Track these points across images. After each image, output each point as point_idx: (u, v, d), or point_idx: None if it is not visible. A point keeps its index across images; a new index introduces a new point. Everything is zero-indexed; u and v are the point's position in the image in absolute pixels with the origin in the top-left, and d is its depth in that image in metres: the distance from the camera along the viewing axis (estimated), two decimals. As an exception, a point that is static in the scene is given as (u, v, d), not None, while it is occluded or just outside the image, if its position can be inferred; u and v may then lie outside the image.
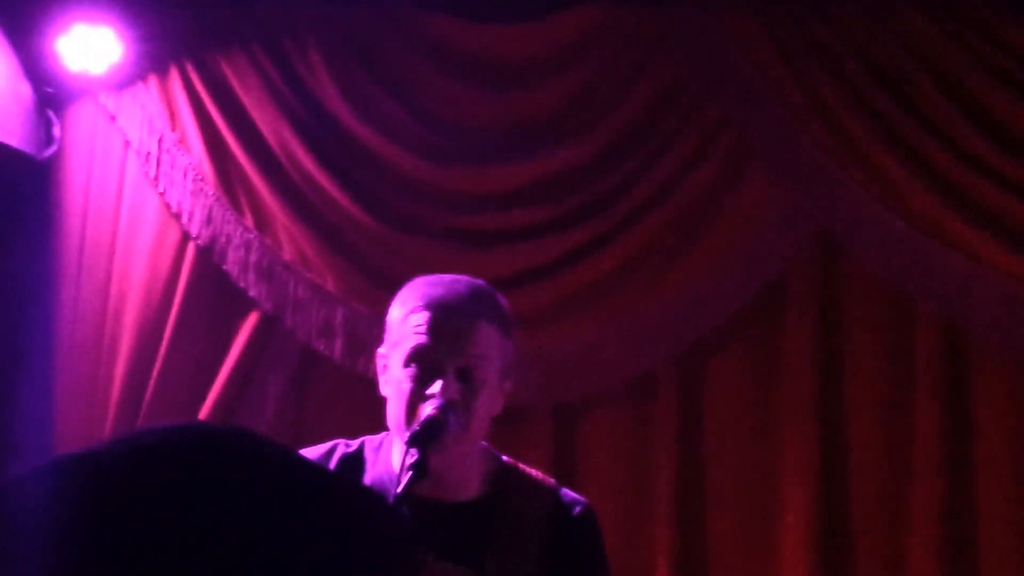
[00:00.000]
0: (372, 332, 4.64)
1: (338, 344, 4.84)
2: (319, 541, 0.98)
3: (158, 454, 0.99)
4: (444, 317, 2.68)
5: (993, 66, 4.64)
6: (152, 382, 4.85)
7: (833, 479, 4.65)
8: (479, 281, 2.81)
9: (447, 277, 2.79)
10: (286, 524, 0.98)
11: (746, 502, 4.72)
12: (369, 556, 1.01)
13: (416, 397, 2.64)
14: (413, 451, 2.54)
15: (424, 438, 2.55)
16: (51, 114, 5.04)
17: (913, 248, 4.62)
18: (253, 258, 4.90)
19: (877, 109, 4.66)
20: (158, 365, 4.86)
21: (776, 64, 4.73)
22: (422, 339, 2.66)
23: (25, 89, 4.99)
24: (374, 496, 1.10)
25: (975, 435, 4.63)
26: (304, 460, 1.03)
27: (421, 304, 2.70)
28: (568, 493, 2.85)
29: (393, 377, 2.71)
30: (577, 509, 2.82)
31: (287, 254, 4.90)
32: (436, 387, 2.62)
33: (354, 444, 2.84)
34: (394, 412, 2.69)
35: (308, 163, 4.88)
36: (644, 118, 4.83)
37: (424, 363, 2.66)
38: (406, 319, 2.71)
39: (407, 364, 2.67)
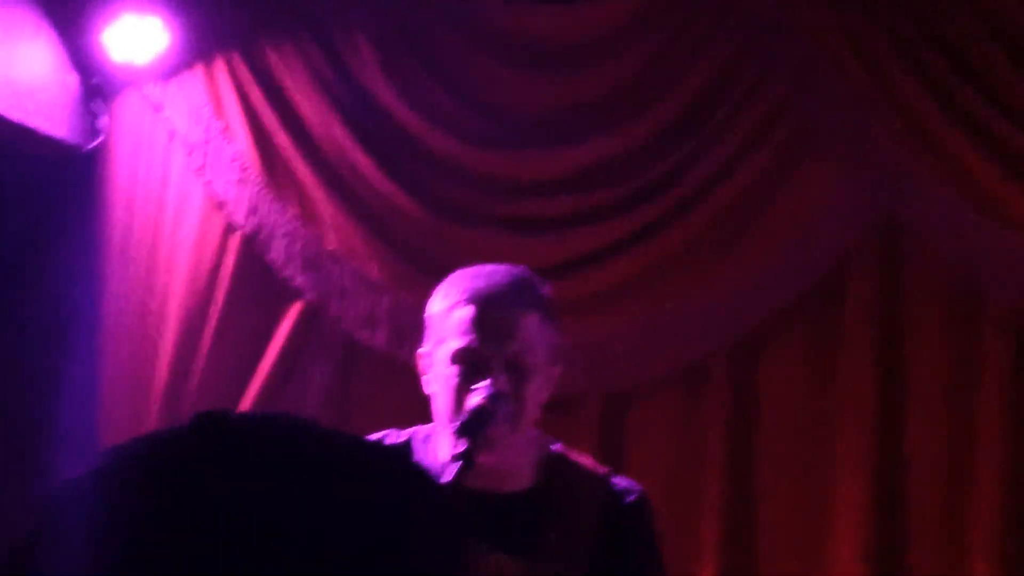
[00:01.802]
0: (417, 321, 4.54)
1: (382, 333, 4.81)
2: (365, 519, 0.98)
3: (192, 443, 0.99)
4: (487, 311, 2.65)
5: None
6: (196, 371, 4.84)
7: (888, 477, 4.54)
8: (519, 268, 2.78)
9: (486, 268, 2.76)
10: (335, 501, 0.98)
11: (797, 497, 4.62)
12: (414, 537, 1.00)
13: (463, 392, 2.62)
14: (461, 441, 2.52)
15: (473, 428, 2.53)
16: (98, 104, 5.04)
17: (981, 233, 4.48)
18: (297, 247, 4.88)
19: (948, 91, 4.51)
20: (202, 355, 4.86)
21: (842, 44, 4.61)
22: (468, 336, 2.64)
23: (72, 80, 4.99)
24: (425, 478, 1.09)
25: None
26: (359, 440, 1.03)
27: (464, 299, 2.67)
28: (621, 480, 2.81)
29: (439, 374, 2.68)
30: (631, 497, 2.79)
31: (332, 243, 4.88)
32: (484, 381, 2.61)
33: (404, 435, 2.82)
34: (442, 408, 2.67)
35: (354, 151, 4.86)
36: (700, 101, 4.74)
37: (471, 359, 2.64)
38: (449, 314, 2.68)
39: (454, 361, 2.65)
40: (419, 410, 2.86)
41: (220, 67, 4.96)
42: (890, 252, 4.64)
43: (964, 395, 4.55)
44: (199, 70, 4.97)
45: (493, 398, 2.57)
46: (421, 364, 2.78)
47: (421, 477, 1.06)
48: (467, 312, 2.66)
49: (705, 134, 4.73)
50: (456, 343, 2.66)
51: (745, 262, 4.68)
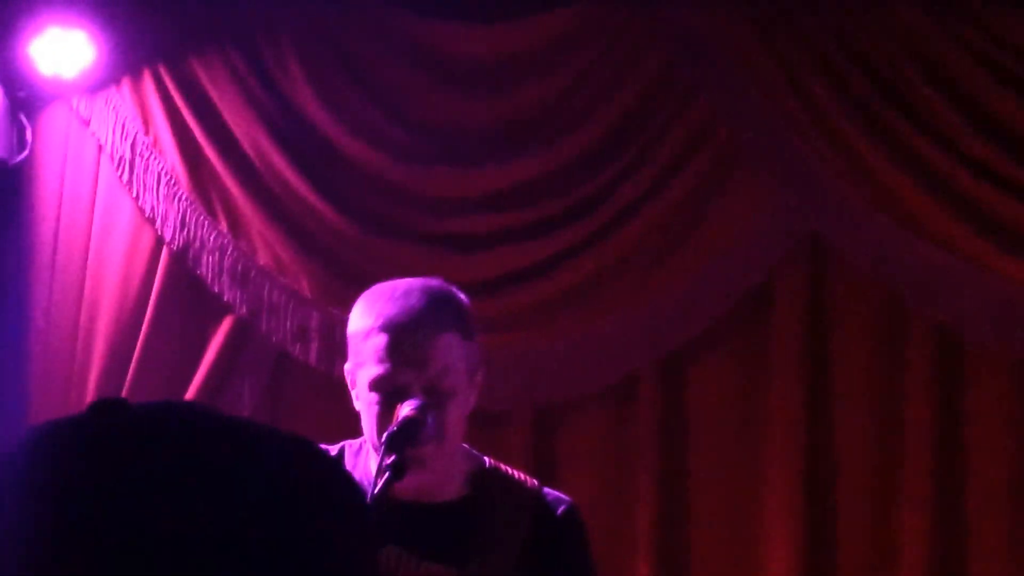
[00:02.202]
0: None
1: (314, 348, 4.80)
2: (272, 512, 0.95)
3: (119, 430, 0.96)
4: (402, 338, 2.63)
5: (990, 63, 4.56)
6: (126, 387, 4.79)
7: (819, 485, 4.60)
8: (435, 284, 2.75)
9: (400, 288, 2.72)
10: (240, 491, 0.95)
11: (729, 507, 4.66)
12: (325, 536, 0.98)
13: (385, 419, 2.61)
14: (390, 453, 2.51)
15: (402, 439, 2.52)
16: (23, 118, 4.99)
17: (905, 250, 4.55)
18: (227, 262, 4.86)
19: (870, 108, 4.58)
20: (132, 370, 4.81)
21: (766, 63, 4.65)
22: (384, 365, 2.63)
23: (-2, 94, 4.95)
24: (341, 475, 1.06)
25: (966, 439, 4.58)
26: (272, 430, 1.01)
27: (377, 326, 2.65)
28: (551, 492, 2.82)
29: (362, 396, 2.69)
30: (561, 508, 2.79)
31: (262, 258, 4.86)
32: (405, 408, 2.59)
33: (334, 448, 2.81)
34: (368, 428, 2.68)
35: (283, 167, 4.83)
36: (629, 119, 4.76)
37: (389, 387, 2.63)
38: (366, 339, 2.67)
39: (372, 389, 2.65)
40: (352, 424, 2.85)
41: (147, 81, 4.93)
42: (816, 267, 4.70)
43: (889, 405, 4.62)
44: (126, 84, 4.94)
45: (421, 408, 2.56)
46: (347, 379, 2.78)
47: (336, 472, 1.04)
48: (381, 340, 2.64)
49: (633, 152, 4.75)
50: (374, 371, 2.65)
51: (674, 277, 4.72)
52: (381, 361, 2.64)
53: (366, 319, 2.69)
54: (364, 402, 2.68)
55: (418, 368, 2.63)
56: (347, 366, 2.76)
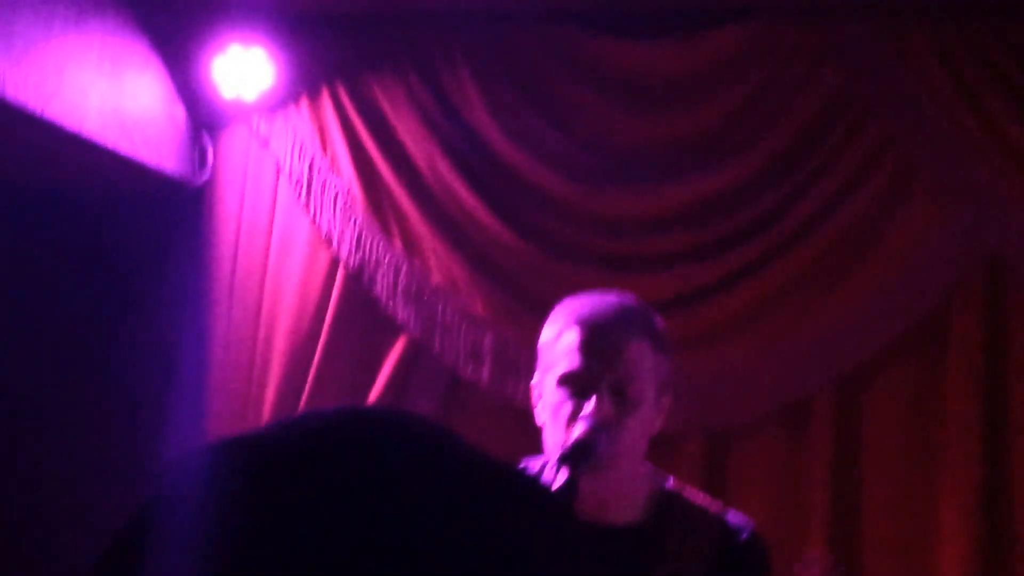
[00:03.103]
0: (521, 356, 4.60)
1: (487, 368, 4.79)
2: (482, 534, 0.93)
3: (322, 435, 0.94)
4: (595, 334, 2.62)
5: None
6: (302, 406, 4.84)
7: (995, 518, 4.50)
8: (629, 297, 2.75)
9: (595, 295, 2.74)
10: (453, 513, 0.92)
11: (902, 538, 4.57)
12: (537, 565, 0.95)
13: (572, 418, 2.58)
14: (563, 471, 2.47)
15: (574, 458, 2.49)
16: (205, 139, 5.07)
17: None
18: (402, 282, 4.88)
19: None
20: (308, 389, 4.86)
21: (944, 80, 4.58)
22: (574, 358, 2.61)
23: (180, 114, 5.03)
24: (555, 504, 1.03)
25: None
26: (481, 452, 0.98)
27: (571, 322, 2.65)
28: (735, 516, 2.76)
29: (547, 401, 2.65)
30: (745, 534, 2.74)
31: (436, 278, 4.87)
32: (590, 406, 2.56)
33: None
34: (551, 436, 2.64)
35: (458, 186, 4.85)
36: (803, 138, 4.72)
37: (578, 383, 2.61)
38: (557, 339, 2.66)
39: (560, 386, 2.62)
40: (524, 446, 2.83)
41: (325, 100, 4.98)
42: (994, 289, 4.60)
43: None
44: (304, 104, 5.00)
45: (596, 428, 2.53)
46: (532, 396, 2.75)
47: (552, 503, 1.01)
48: (574, 335, 2.63)
49: (808, 170, 4.71)
50: (563, 367, 2.63)
51: (849, 299, 4.64)
52: (571, 356, 2.62)
53: (558, 322, 2.69)
54: (549, 407, 2.64)
55: (608, 363, 2.60)
56: (534, 379, 2.74)
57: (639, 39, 4.85)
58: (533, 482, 1.00)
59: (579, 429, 2.53)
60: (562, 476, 2.47)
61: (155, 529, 0.92)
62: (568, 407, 2.60)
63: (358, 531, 0.89)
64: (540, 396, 2.70)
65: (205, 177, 5.06)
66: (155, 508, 0.93)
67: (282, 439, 0.94)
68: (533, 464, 2.76)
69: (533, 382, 2.75)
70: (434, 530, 0.90)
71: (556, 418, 2.62)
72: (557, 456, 2.51)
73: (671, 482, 2.78)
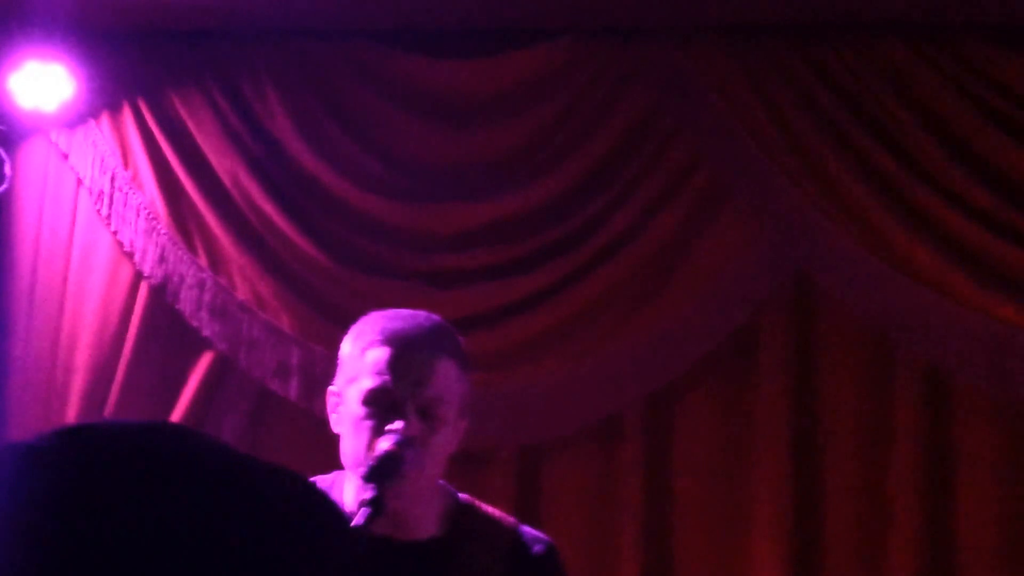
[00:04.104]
0: (329, 372, 4.52)
1: (294, 384, 4.75)
2: (261, 540, 0.92)
3: (98, 448, 0.93)
4: (404, 354, 2.59)
5: (977, 101, 4.55)
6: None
7: (806, 526, 4.55)
8: (435, 316, 2.72)
9: (404, 311, 2.71)
10: (219, 519, 0.91)
11: (715, 549, 4.61)
12: (314, 565, 0.95)
13: (374, 434, 2.56)
14: (369, 487, 2.47)
15: (381, 474, 2.48)
16: (2, 152, 4.96)
17: (892, 288, 4.52)
18: (207, 298, 4.82)
19: (855, 146, 4.56)
20: (111, 405, 4.77)
21: (750, 100, 4.64)
22: (383, 377, 2.57)
23: (-24, 127, 4.92)
24: (328, 507, 1.03)
25: (955, 479, 4.54)
26: (256, 460, 0.97)
27: (379, 339, 2.60)
28: (529, 531, 2.75)
29: (350, 414, 2.61)
30: (538, 547, 2.72)
31: (241, 294, 4.82)
32: (396, 425, 2.55)
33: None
34: (351, 450, 2.60)
35: (263, 202, 4.81)
36: (612, 156, 4.73)
37: (383, 401, 2.57)
38: (363, 354, 2.61)
39: (365, 402, 2.59)
40: (331, 461, 2.81)
41: (127, 115, 4.91)
42: (802, 306, 4.66)
43: (877, 441, 4.58)
44: (105, 118, 4.91)
45: (402, 443, 2.52)
46: (329, 403, 2.70)
47: (324, 505, 1.01)
48: (382, 353, 2.59)
49: (617, 188, 4.73)
50: (369, 383, 2.59)
51: (659, 315, 4.67)
52: (380, 373, 2.58)
53: (365, 336, 2.64)
54: (352, 418, 2.60)
55: (416, 385, 2.58)
56: (333, 387, 2.70)
57: (448, 58, 4.85)
58: (324, 497, 1.01)
59: (386, 444, 2.52)
60: (369, 491, 2.46)
61: None
62: (372, 422, 2.57)
63: (114, 536, 0.88)
64: (338, 404, 2.66)
65: (2, 190, 4.94)
66: None
67: (54, 445, 0.93)
68: (322, 480, 2.74)
69: (331, 389, 2.71)
70: (209, 542, 0.90)
71: (358, 430, 2.58)
72: (363, 470, 2.50)
73: (465, 497, 2.77)
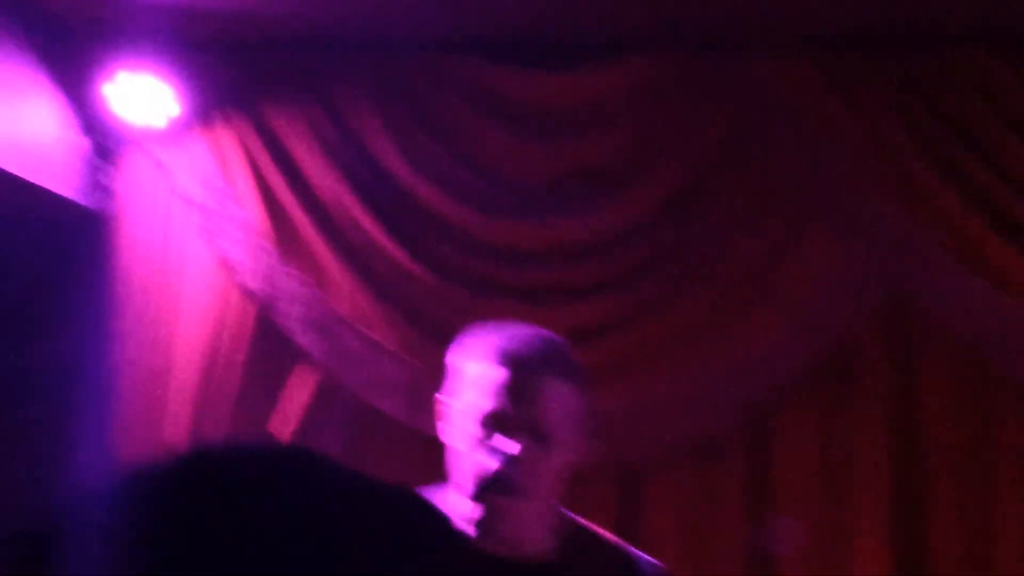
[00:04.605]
0: (428, 387, 4.57)
1: (394, 399, 4.74)
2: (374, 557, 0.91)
3: (216, 466, 0.97)
4: (518, 374, 2.57)
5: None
6: (208, 435, 4.76)
7: (908, 546, 4.51)
8: (553, 335, 2.71)
9: (521, 330, 2.69)
10: (336, 536, 0.97)
11: (819, 566, 4.56)
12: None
13: (487, 455, 2.54)
14: (477, 506, 2.44)
15: (490, 493, 2.45)
16: (104, 165, 4.99)
17: (989, 305, 4.47)
18: (308, 313, 4.82)
19: (949, 158, 4.52)
20: (212, 420, 4.78)
21: (842, 114, 4.59)
22: (496, 399, 2.56)
23: (78, 140, 4.94)
24: (441, 522, 1.01)
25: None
26: (371, 478, 0.97)
27: (494, 358, 2.59)
28: (642, 557, 2.74)
29: (462, 430, 2.60)
30: (652, 572, 2.72)
31: (342, 309, 4.81)
32: (507, 446, 2.52)
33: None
34: (459, 465, 2.59)
35: (362, 216, 4.80)
36: (705, 171, 4.70)
37: (499, 422, 2.56)
38: (476, 371, 2.61)
39: (479, 418, 2.57)
40: (433, 475, 2.78)
41: (226, 128, 4.93)
42: (899, 323, 4.61)
43: (980, 459, 4.53)
44: (205, 131, 4.93)
45: (511, 463, 2.49)
46: (438, 409, 2.69)
47: (439, 523, 1.00)
48: (498, 374, 2.58)
49: (707, 204, 4.68)
50: (482, 402, 2.58)
51: (754, 334, 4.64)
52: (493, 393, 2.57)
53: (478, 352, 2.63)
54: (463, 436, 2.60)
55: (530, 407, 2.56)
56: (443, 395, 2.69)
57: (539, 69, 4.82)
58: (439, 514, 1.00)
59: (495, 464, 2.50)
60: (478, 510, 2.44)
61: (51, 557, 0.94)
62: (484, 441, 2.56)
63: (264, 558, 0.92)
64: (447, 414, 2.66)
65: (103, 203, 4.97)
66: (51, 537, 0.95)
67: (178, 469, 0.98)
68: (431, 494, 2.71)
69: (441, 396, 2.69)
70: (348, 560, 0.89)
71: (469, 449, 2.57)
72: (472, 489, 2.47)
73: (578, 519, 2.75)
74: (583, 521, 2.76)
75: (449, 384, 2.68)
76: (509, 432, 2.55)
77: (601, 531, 2.77)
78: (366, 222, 4.80)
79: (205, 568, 0.90)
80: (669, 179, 4.72)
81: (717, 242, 4.68)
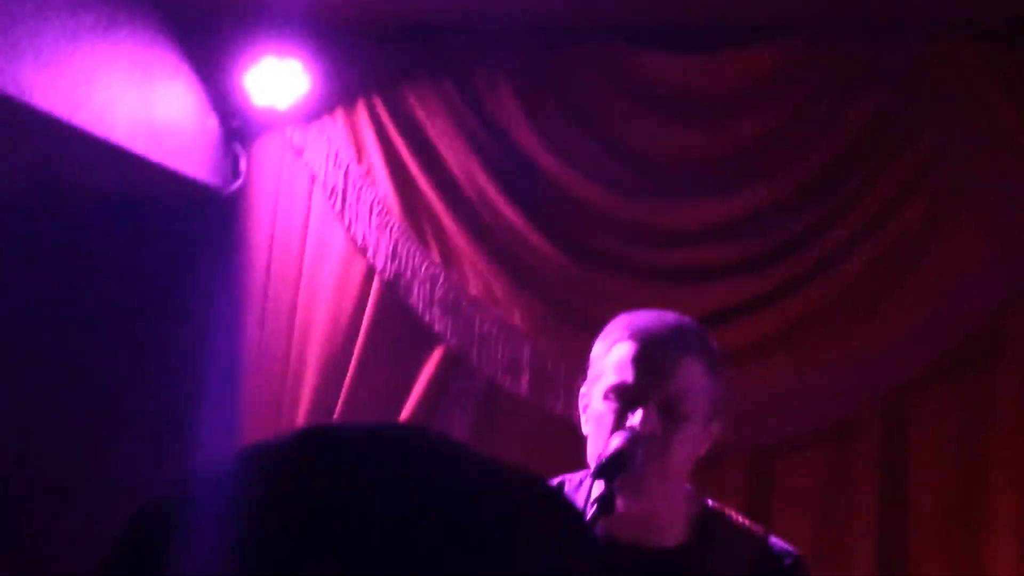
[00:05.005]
0: (560, 369, 4.54)
1: (525, 380, 4.71)
2: (505, 548, 0.90)
3: (342, 447, 0.93)
4: (649, 348, 2.56)
5: None
6: (336, 417, 4.77)
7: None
8: (686, 316, 2.69)
9: (653, 311, 2.69)
10: (458, 527, 0.89)
11: (952, 557, 4.45)
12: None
13: (614, 430, 2.50)
14: (599, 483, 2.40)
15: (610, 469, 2.41)
16: (238, 148, 5.01)
17: None
18: (439, 293, 4.81)
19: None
20: (342, 400, 4.79)
21: (995, 99, 4.48)
22: (626, 371, 2.55)
23: (212, 123, 4.97)
24: (575, 519, 0.98)
25: None
26: (497, 461, 0.94)
27: (626, 335, 2.59)
28: (778, 542, 2.70)
29: (594, 411, 2.58)
30: (788, 561, 2.67)
31: (473, 289, 4.79)
32: (635, 418, 2.48)
33: (554, 481, 2.69)
34: (594, 447, 2.56)
35: (496, 198, 4.78)
36: (846, 155, 4.63)
37: (626, 396, 2.54)
38: (608, 351, 2.60)
39: (608, 397, 2.55)
40: (562, 458, 2.76)
41: (361, 111, 4.92)
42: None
43: None
44: (340, 114, 4.94)
45: (633, 440, 2.44)
46: (580, 404, 2.68)
47: (571, 517, 0.96)
48: (627, 348, 2.57)
49: (851, 188, 4.62)
50: (613, 379, 2.56)
51: (893, 317, 4.56)
52: (623, 368, 2.56)
53: (612, 334, 2.63)
54: (596, 415, 2.57)
55: (659, 381, 2.54)
56: (583, 389, 2.68)
57: (682, 53, 4.77)
58: (567, 502, 0.97)
59: (617, 440, 2.46)
60: (598, 488, 2.40)
61: (175, 533, 0.92)
62: (612, 418, 2.52)
63: (378, 545, 0.87)
64: (587, 406, 2.64)
65: (237, 186, 5.00)
66: (175, 512, 0.93)
67: (303, 449, 0.93)
68: (571, 479, 2.69)
69: (582, 391, 2.69)
70: (464, 551, 0.88)
71: (600, 429, 2.56)
72: (593, 469, 2.43)
73: (711, 503, 2.70)
74: (715, 504, 2.71)
75: (588, 375, 2.66)
76: (636, 404, 2.51)
77: (737, 516, 2.72)
78: (501, 203, 4.77)
79: (319, 552, 0.86)
80: (811, 162, 4.64)
81: (857, 226, 4.59)
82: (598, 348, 2.65)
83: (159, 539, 0.91)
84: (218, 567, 0.88)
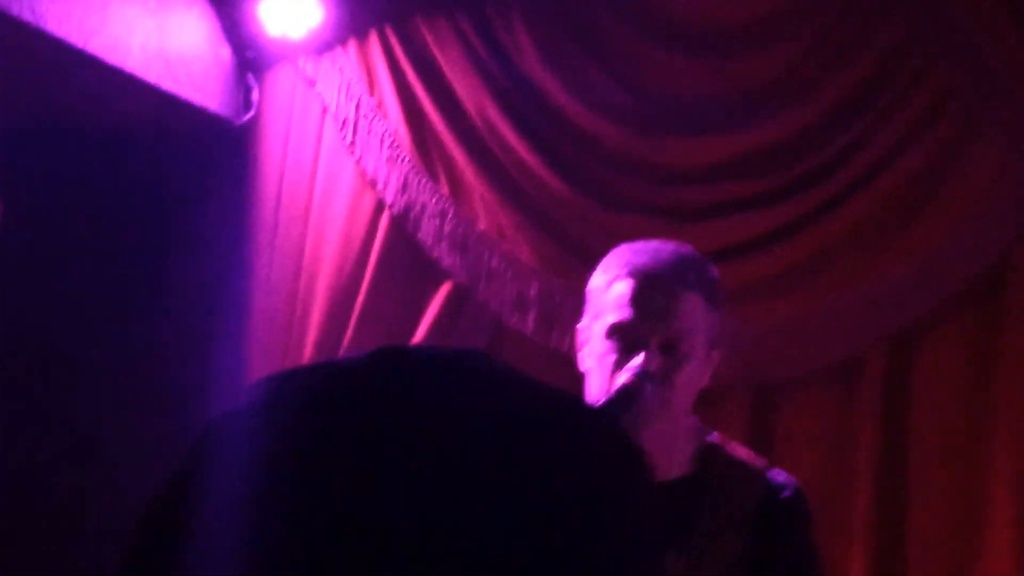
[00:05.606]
0: (567, 305, 4.54)
1: (531, 318, 4.72)
2: (565, 487, 0.89)
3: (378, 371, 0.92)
4: (649, 286, 2.56)
5: None
6: (342, 351, 4.79)
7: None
8: (685, 247, 2.68)
9: (652, 244, 2.67)
10: (534, 457, 0.89)
11: (951, 498, 4.45)
12: (620, 521, 0.93)
13: (616, 369, 2.52)
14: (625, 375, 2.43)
15: (618, 407, 2.43)
16: (250, 78, 5.01)
17: None
18: (447, 228, 4.81)
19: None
20: (349, 333, 4.81)
21: (1010, 29, 4.44)
22: (626, 310, 2.55)
23: (225, 53, 4.97)
24: (640, 456, 0.99)
25: None
26: (571, 397, 0.94)
27: (624, 272, 2.58)
28: (778, 474, 2.72)
29: (594, 350, 2.59)
30: (788, 492, 2.69)
31: (482, 225, 4.80)
32: (638, 359, 2.49)
33: None
34: (595, 384, 2.58)
35: (508, 133, 4.77)
36: (864, 87, 4.58)
37: (627, 336, 2.55)
38: (608, 288, 2.60)
39: (609, 336, 2.55)
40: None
41: (374, 43, 4.91)
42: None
43: None
44: (352, 46, 4.93)
45: (640, 376, 2.46)
46: (578, 339, 2.69)
47: (637, 454, 0.96)
48: (626, 286, 2.57)
49: (868, 120, 4.58)
50: (612, 317, 2.57)
51: (908, 251, 4.53)
52: (622, 308, 2.56)
53: (611, 269, 2.62)
54: (596, 354, 2.58)
55: (660, 320, 2.54)
56: (581, 323, 2.68)
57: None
58: (627, 433, 0.97)
59: (624, 377, 2.48)
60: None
61: (200, 482, 0.90)
62: (615, 357, 2.54)
63: (421, 470, 0.85)
64: (586, 341, 2.65)
65: (249, 116, 5.00)
66: (198, 463, 0.91)
67: (331, 374, 0.92)
68: None
69: (580, 325, 2.69)
70: (524, 472, 0.87)
71: (602, 366, 2.56)
72: (600, 406, 2.45)
73: (715, 436, 2.72)
74: (720, 438, 2.73)
75: (586, 310, 2.66)
76: (638, 345, 2.52)
77: (738, 448, 2.74)
78: (512, 138, 4.76)
79: (380, 489, 0.85)
80: (826, 96, 4.60)
81: (871, 160, 4.55)
82: (597, 281, 2.65)
83: (230, 457, 0.90)
84: (295, 482, 0.86)
